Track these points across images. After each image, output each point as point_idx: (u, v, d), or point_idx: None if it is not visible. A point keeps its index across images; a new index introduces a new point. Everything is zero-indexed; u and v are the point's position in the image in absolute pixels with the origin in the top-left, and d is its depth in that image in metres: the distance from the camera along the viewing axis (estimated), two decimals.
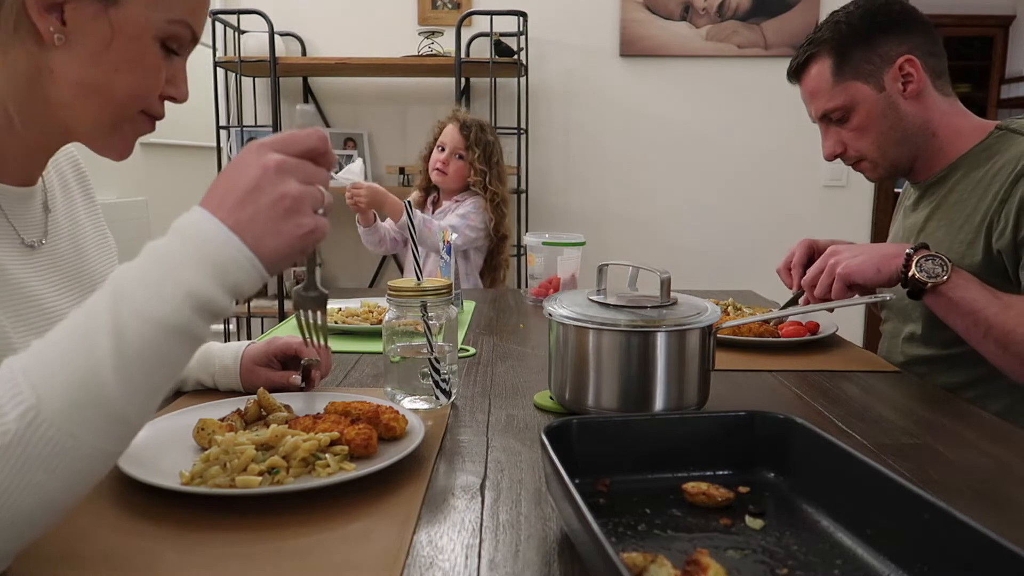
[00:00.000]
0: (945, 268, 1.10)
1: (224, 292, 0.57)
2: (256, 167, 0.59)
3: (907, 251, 1.12)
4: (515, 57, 2.99)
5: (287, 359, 1.03)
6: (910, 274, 1.11)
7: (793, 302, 1.33)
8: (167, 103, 0.79)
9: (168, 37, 0.74)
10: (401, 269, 3.27)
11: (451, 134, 2.38)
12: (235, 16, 3.07)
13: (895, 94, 1.26)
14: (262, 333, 1.84)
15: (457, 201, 2.41)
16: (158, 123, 0.80)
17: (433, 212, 2.46)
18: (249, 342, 1.04)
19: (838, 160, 1.35)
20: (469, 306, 1.68)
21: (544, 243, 1.74)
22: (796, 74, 1.34)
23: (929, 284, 1.10)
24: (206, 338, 0.58)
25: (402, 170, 3.13)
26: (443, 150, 2.39)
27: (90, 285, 0.90)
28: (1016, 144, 1.20)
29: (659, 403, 0.90)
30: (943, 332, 1.21)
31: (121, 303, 0.54)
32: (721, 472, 0.73)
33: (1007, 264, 1.17)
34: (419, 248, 0.98)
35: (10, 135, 0.76)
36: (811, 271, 1.22)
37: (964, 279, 1.10)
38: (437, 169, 2.39)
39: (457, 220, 2.32)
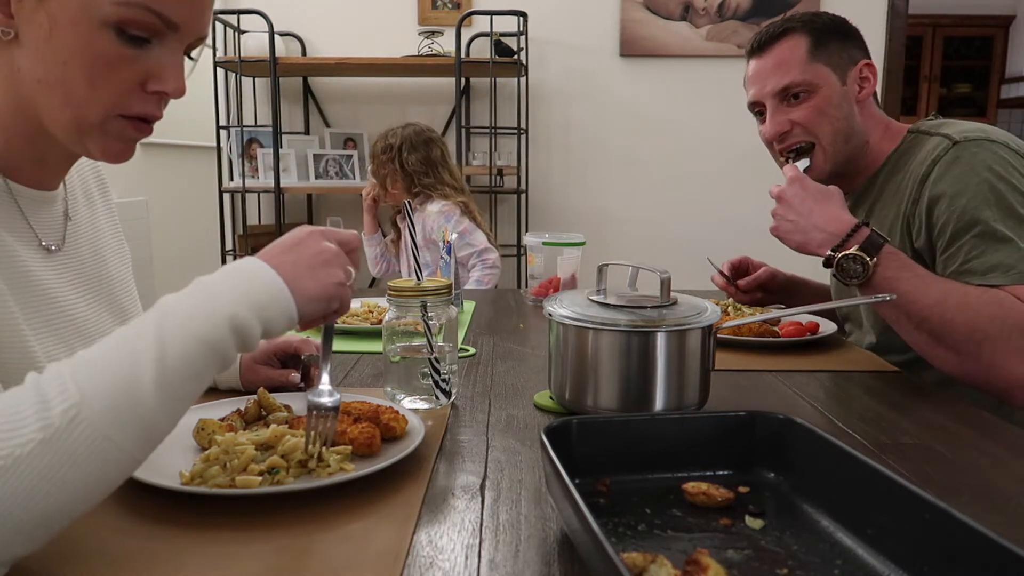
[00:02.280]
0: (866, 266, 1.08)
1: (258, 321, 0.63)
2: (302, 233, 0.71)
3: (829, 252, 1.12)
4: (515, 57, 2.99)
5: (286, 357, 1.03)
6: (833, 270, 1.11)
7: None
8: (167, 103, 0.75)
9: (122, 22, 0.67)
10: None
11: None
12: (235, 16, 3.07)
13: (852, 93, 1.32)
14: None
15: (422, 204, 2.49)
16: (158, 123, 0.75)
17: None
18: None
19: None
20: (469, 306, 1.68)
21: (544, 243, 1.74)
22: (766, 45, 1.35)
23: (851, 283, 1.10)
24: (232, 361, 0.63)
25: None
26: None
27: (108, 289, 0.90)
28: (924, 144, 1.25)
29: (659, 403, 0.90)
30: (897, 338, 1.18)
31: (167, 319, 0.59)
32: (721, 472, 0.72)
33: (927, 264, 1.19)
34: (418, 249, 0.98)
35: (18, 140, 0.74)
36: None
37: (892, 270, 1.09)
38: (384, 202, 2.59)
39: (470, 257, 2.45)
